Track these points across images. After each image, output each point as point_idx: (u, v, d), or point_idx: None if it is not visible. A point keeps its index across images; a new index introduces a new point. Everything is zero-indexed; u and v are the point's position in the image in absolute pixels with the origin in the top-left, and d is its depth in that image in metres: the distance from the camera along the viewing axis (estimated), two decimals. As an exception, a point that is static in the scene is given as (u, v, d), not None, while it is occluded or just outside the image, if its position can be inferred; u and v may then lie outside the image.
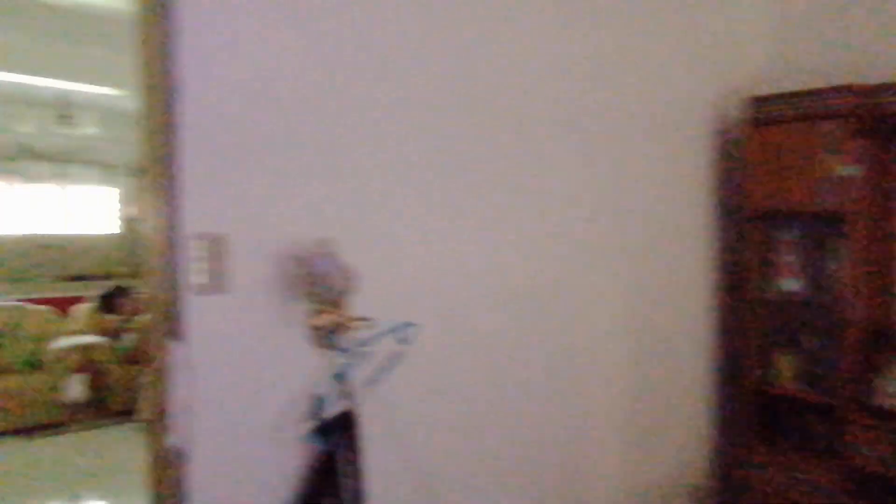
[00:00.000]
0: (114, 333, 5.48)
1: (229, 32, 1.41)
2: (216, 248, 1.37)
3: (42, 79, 4.64)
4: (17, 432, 4.78)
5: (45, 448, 4.61)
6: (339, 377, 1.55)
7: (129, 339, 5.45)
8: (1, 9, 4.07)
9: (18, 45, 4.45)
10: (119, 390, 5.23)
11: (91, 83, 4.81)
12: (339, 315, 1.50)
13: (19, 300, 5.96)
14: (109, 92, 5.10)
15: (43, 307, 5.48)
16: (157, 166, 1.35)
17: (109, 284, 6.42)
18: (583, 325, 2.24)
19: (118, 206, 7.45)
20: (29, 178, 6.76)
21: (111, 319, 5.61)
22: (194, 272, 1.35)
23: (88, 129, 5.35)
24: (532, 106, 2.02)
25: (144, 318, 5.45)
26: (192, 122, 1.35)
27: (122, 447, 4.61)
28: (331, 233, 1.52)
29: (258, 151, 1.46)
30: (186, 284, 1.36)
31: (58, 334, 5.30)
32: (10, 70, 4.47)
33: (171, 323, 1.35)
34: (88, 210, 7.32)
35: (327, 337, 1.52)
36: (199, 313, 1.37)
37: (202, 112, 1.37)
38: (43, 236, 6.95)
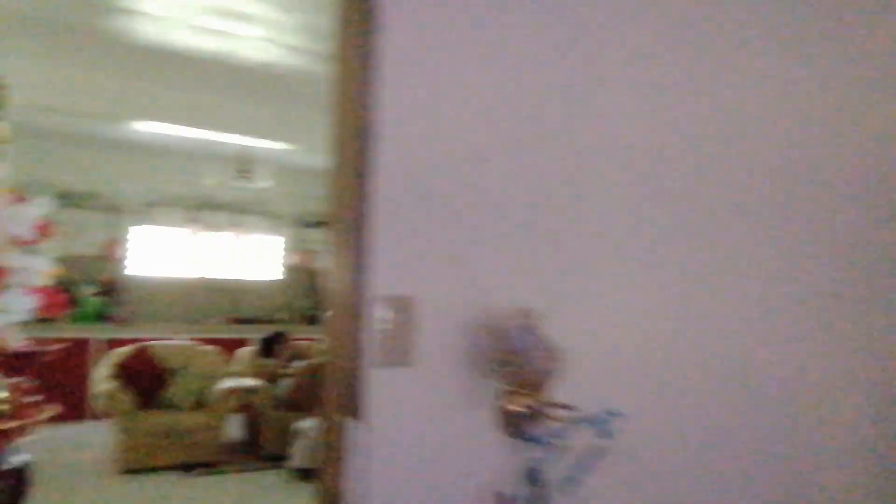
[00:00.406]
0: (271, 378, 5.63)
1: (429, 86, 1.26)
2: (404, 312, 1.17)
3: (226, 135, 4.98)
4: (178, 468, 4.96)
5: (202, 486, 4.73)
6: (532, 474, 1.28)
7: (285, 385, 5.57)
8: (193, 70, 4.43)
9: (206, 104, 4.84)
10: (273, 435, 5.32)
11: (268, 139, 5.09)
12: (537, 400, 1.24)
13: (191, 339, 6.37)
14: (282, 147, 5.37)
15: (211, 347, 5.77)
16: (344, 222, 1.19)
17: (270, 329, 6.69)
18: (821, 422, 1.80)
19: (283, 254, 7.86)
20: (207, 226, 7.32)
21: (269, 364, 5.78)
22: (379, 339, 1.16)
23: (263, 182, 5.68)
24: (753, 168, 1.69)
25: (300, 365, 5.56)
26: (386, 178, 1.19)
27: (274, 493, 4.62)
28: (527, 302, 1.28)
29: (452, 209, 1.28)
30: (369, 353, 1.17)
31: (222, 375, 5.53)
32: (198, 127, 4.83)
33: (349, 397, 1.16)
34: (256, 257, 7.78)
35: (520, 424, 1.26)
36: (380, 388, 1.17)
37: (396, 168, 1.21)
38: (215, 280, 7.46)
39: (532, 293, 1.34)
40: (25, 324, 3.23)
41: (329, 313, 1.27)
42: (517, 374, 1.22)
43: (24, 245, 2.14)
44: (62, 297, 2.06)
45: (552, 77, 1.41)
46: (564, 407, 1.26)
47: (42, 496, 4.10)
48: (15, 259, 2.02)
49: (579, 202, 1.44)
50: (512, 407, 1.25)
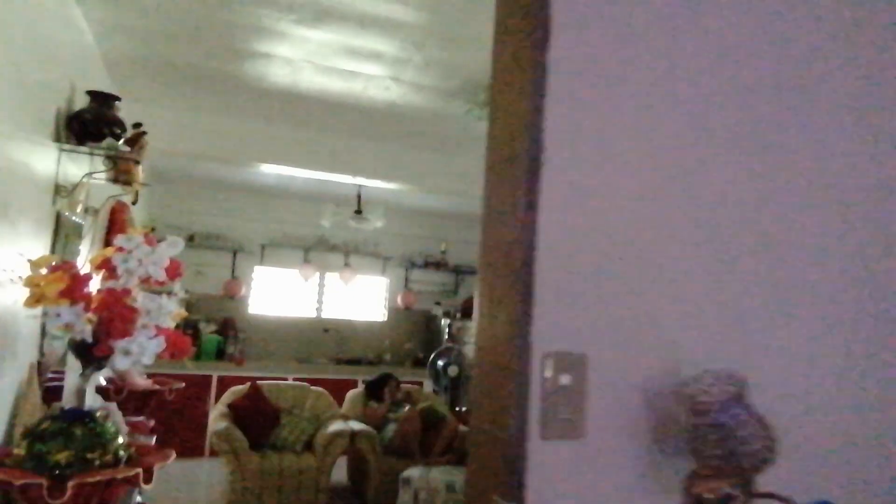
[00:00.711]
0: (377, 422, 5.51)
1: (601, 115, 1.07)
2: (576, 372, 0.97)
3: (344, 176, 5.03)
4: (286, 511, 4.90)
5: (308, 533, 4.63)
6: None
7: (391, 430, 5.44)
8: (318, 112, 4.51)
9: (328, 146, 4.93)
10: (378, 482, 5.17)
11: (383, 179, 5.09)
12: (742, 487, 0.98)
13: (300, 379, 6.42)
14: (396, 187, 5.36)
15: (320, 389, 5.76)
16: (501, 266, 1.02)
17: (376, 372, 6.64)
18: None
19: (389, 295, 7.85)
20: (319, 266, 7.45)
21: (375, 408, 5.68)
22: (546, 406, 0.96)
23: (377, 222, 5.71)
24: None
25: (405, 412, 5.41)
26: (552, 215, 1.01)
27: (377, 547, 4.45)
28: (726, 364, 1.03)
29: (629, 251, 1.07)
30: (531, 422, 0.97)
31: (330, 418, 5.49)
32: (319, 168, 4.91)
33: (508, 478, 0.96)
34: (364, 297, 7.83)
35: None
36: (544, 467, 0.96)
37: (564, 204, 1.02)
38: (325, 320, 7.55)
39: (730, 354, 1.09)
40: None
41: (476, 373, 1.09)
42: (717, 455, 0.98)
43: (156, 285, 2.12)
44: (187, 341, 2.00)
45: (740, 126, 1.19)
46: (777, 498, 1.00)
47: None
48: (146, 300, 1.98)
49: (779, 245, 1.19)
50: (709, 495, 1.00)
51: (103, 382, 3.75)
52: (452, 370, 6.91)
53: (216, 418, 5.14)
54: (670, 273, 1.09)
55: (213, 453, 5.48)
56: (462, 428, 5.52)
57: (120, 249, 1.95)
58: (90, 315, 1.92)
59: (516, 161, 1.02)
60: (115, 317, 1.87)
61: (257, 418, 5.20)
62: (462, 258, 8.12)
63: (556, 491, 0.98)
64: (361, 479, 5.39)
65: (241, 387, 5.51)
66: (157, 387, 3.93)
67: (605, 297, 1.03)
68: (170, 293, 2.20)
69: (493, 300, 1.04)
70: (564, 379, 0.97)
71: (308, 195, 6.98)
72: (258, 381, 5.58)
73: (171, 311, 1.97)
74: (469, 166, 5.31)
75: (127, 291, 1.92)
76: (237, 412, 5.17)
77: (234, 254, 7.16)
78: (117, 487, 1.97)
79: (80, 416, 2.00)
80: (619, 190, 1.08)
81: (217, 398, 6.02)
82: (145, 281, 2.07)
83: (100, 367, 1.99)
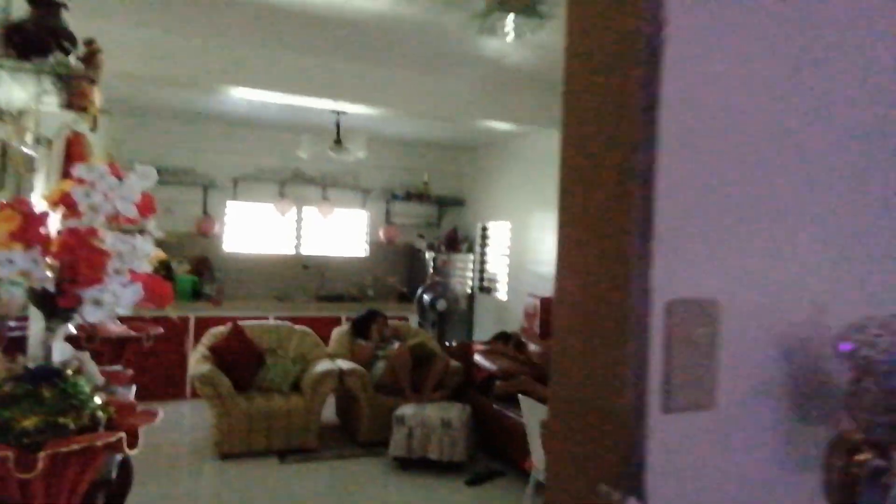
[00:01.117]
0: (365, 360, 5.35)
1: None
2: (707, 325, 0.73)
3: (323, 100, 4.63)
4: (272, 454, 4.77)
5: (300, 473, 4.51)
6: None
7: (379, 368, 5.28)
8: (297, 28, 4.08)
9: (306, 66, 4.51)
10: (369, 420, 5.05)
11: (366, 103, 4.71)
12: (891, 457, 0.78)
13: (282, 318, 6.19)
14: (378, 113, 4.99)
15: (304, 328, 5.54)
16: (611, 194, 0.76)
17: (359, 308, 6.43)
18: None
19: (367, 228, 7.57)
20: (296, 201, 7.10)
21: (363, 345, 5.50)
22: (668, 369, 0.73)
23: (358, 152, 5.35)
24: None
25: (394, 348, 5.24)
26: (672, 125, 0.75)
27: (374, 483, 4.35)
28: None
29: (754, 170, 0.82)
30: (648, 391, 0.74)
31: (316, 357, 5.30)
32: (296, 92, 4.51)
33: (624, 462, 0.74)
34: (345, 232, 7.53)
35: (865, 491, 0.80)
36: (664, 444, 0.74)
37: (684, 113, 0.76)
38: (305, 257, 7.27)
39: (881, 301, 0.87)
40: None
41: (559, 331, 0.85)
42: (882, 422, 0.76)
43: (126, 224, 1.82)
44: (168, 286, 1.73)
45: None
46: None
47: (143, 483, 3.97)
48: (117, 241, 1.68)
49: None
50: (857, 469, 0.79)
51: (73, 330, 3.46)
52: (441, 304, 6.74)
53: (198, 361, 4.91)
54: (803, 208, 0.85)
55: (195, 395, 5.27)
56: (453, 363, 5.39)
57: (81, 181, 1.64)
58: (50, 260, 1.62)
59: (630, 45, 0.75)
60: (80, 261, 1.57)
61: (241, 360, 4.99)
62: (445, 189, 7.82)
63: (680, 475, 0.76)
64: (352, 418, 5.27)
65: (221, 328, 5.26)
66: (133, 333, 3.67)
67: (738, 232, 0.79)
68: (143, 232, 1.90)
69: (593, 234, 0.78)
70: (695, 333, 0.73)
71: (283, 125, 6.55)
72: (239, 322, 5.33)
73: (147, 253, 1.68)
74: (460, 87, 4.95)
75: (92, 231, 1.62)
76: (219, 355, 4.94)
77: (205, 189, 6.75)
78: (98, 455, 1.73)
79: (47, 374, 1.74)
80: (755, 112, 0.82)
81: (196, 340, 5.77)
82: (113, 219, 1.77)
83: (67, 320, 1.71)
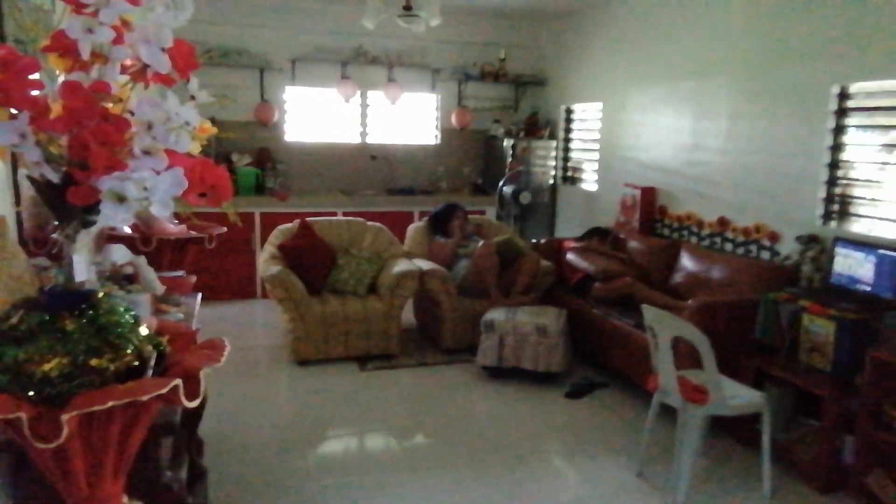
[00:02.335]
0: (445, 260, 4.85)
1: None
2: None
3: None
4: (351, 360, 4.43)
5: (383, 382, 4.17)
6: None
7: (462, 268, 4.78)
8: None
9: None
10: (453, 325, 4.62)
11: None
12: None
13: (350, 213, 5.72)
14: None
15: (378, 224, 5.05)
16: None
17: (431, 202, 5.88)
18: None
19: (438, 113, 6.86)
20: (360, 83, 6.42)
21: (443, 243, 4.99)
22: None
23: (431, 20, 4.56)
24: None
25: (478, 247, 4.70)
26: None
27: (462, 392, 3.96)
28: None
29: None
30: None
31: (392, 256, 4.83)
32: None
33: None
34: (412, 118, 6.86)
35: None
36: None
37: None
38: (372, 146, 6.67)
39: None
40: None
41: None
42: None
43: (161, 82, 1.24)
44: (222, 174, 1.16)
45: None
46: None
47: (220, 392, 3.69)
48: (145, 106, 1.11)
49: None
50: None
51: (127, 230, 3.04)
52: (525, 197, 6.12)
53: (266, 261, 4.51)
54: None
55: (266, 295, 4.95)
56: (544, 263, 4.83)
57: (80, 7, 1.05)
58: (48, 134, 1.07)
59: None
60: (88, 135, 1.02)
61: (312, 260, 4.57)
62: (523, 67, 6.94)
63: None
64: (433, 323, 4.86)
65: (288, 225, 4.82)
66: (193, 233, 3.23)
67: None
68: (190, 97, 1.33)
69: None
70: None
71: (342, -6, 5.77)
72: (308, 219, 4.88)
73: (190, 125, 1.11)
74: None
75: (102, 86, 1.05)
76: (289, 254, 4.53)
77: (261, 72, 6.13)
78: (147, 409, 1.26)
79: (69, 299, 1.25)
80: None
81: (263, 238, 5.39)
82: (138, 76, 1.19)
83: (86, 223, 1.18)
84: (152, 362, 1.28)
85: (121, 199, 1.01)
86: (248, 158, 6.10)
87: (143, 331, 1.32)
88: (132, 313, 1.33)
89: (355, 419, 3.65)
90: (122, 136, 1.04)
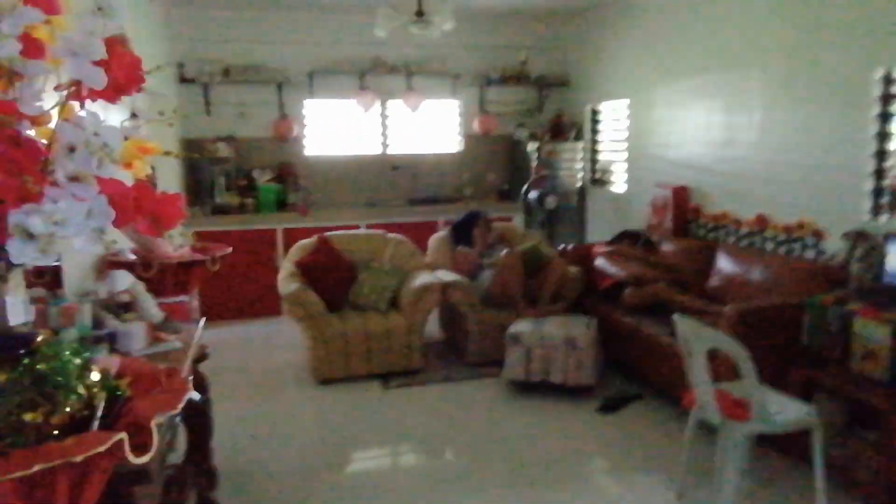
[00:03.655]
0: (469, 270, 4.68)
1: None
2: None
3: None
4: (374, 377, 4.29)
5: (406, 399, 4.01)
6: None
7: (486, 278, 4.60)
8: None
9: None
10: (478, 337, 4.44)
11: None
12: None
13: (373, 226, 5.61)
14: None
15: (399, 236, 4.92)
16: None
17: (457, 211, 5.71)
18: None
19: (460, 120, 6.70)
20: (380, 93, 6.31)
21: (466, 253, 4.83)
22: None
23: (445, 24, 4.42)
24: None
25: (502, 256, 4.52)
26: None
27: (490, 408, 3.78)
28: None
29: None
30: None
31: (414, 268, 4.69)
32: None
33: None
34: (435, 126, 6.72)
35: None
36: None
37: None
38: (393, 157, 6.56)
39: None
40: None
41: None
42: None
43: (103, 99, 1.12)
44: (170, 202, 1.02)
45: None
46: None
47: (240, 415, 3.60)
48: (64, 126, 0.98)
49: None
50: None
51: (131, 256, 2.96)
52: (550, 202, 5.91)
53: (285, 279, 4.42)
54: None
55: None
56: (572, 270, 4.62)
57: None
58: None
59: None
60: (-6, 163, 0.89)
61: (331, 276, 4.45)
62: (545, 68, 6.75)
63: None
64: (458, 336, 4.69)
65: (307, 241, 4.73)
66: (196, 256, 3.14)
67: None
68: (134, 116, 1.19)
69: None
70: None
71: (356, 3, 5.68)
72: (327, 233, 4.78)
73: (109, 147, 0.97)
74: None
75: (8, 107, 0.92)
76: (307, 270, 4.43)
77: (279, 87, 6.08)
78: (95, 464, 1.12)
79: (3, 347, 1.12)
80: None
81: (286, 253, 5.31)
82: (74, 94, 1.06)
83: (10, 264, 1.06)
84: (99, 412, 1.14)
85: (30, 234, 0.88)
86: (270, 174, 6.05)
87: (95, 376, 1.19)
88: (84, 355, 1.21)
89: (379, 440, 3.50)
90: (35, 163, 0.91)
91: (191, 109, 5.82)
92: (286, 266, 4.56)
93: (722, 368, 2.90)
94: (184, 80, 5.74)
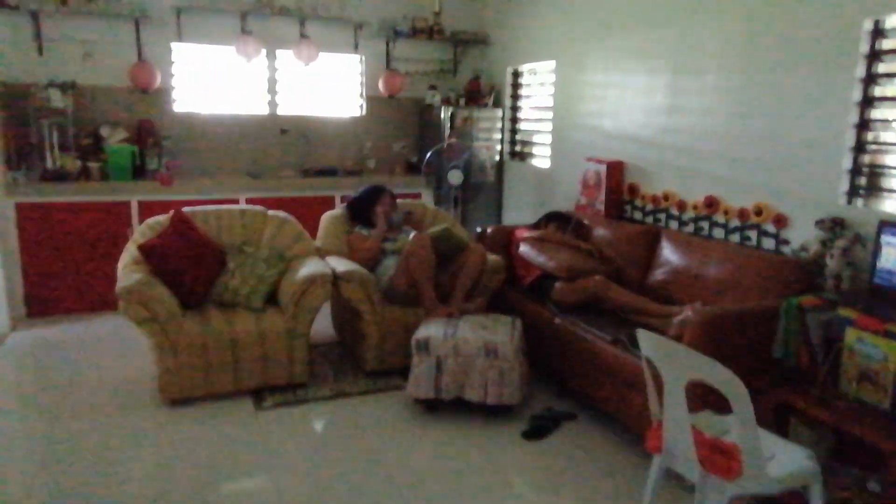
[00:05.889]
0: (368, 258, 3.82)
1: None
2: None
3: None
4: (244, 395, 3.38)
5: (282, 422, 3.14)
6: None
7: (389, 268, 3.76)
8: None
9: None
10: (377, 342, 3.61)
11: None
12: None
13: (254, 201, 4.64)
14: None
15: (282, 213, 3.97)
16: None
17: (359, 184, 4.81)
18: None
19: (362, 78, 5.77)
20: (266, 41, 5.26)
21: (365, 237, 3.96)
22: None
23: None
24: None
25: (409, 239, 3.59)
26: None
27: (385, 432, 2.97)
28: None
29: None
30: None
31: (299, 254, 3.77)
32: None
33: None
34: (331, 85, 5.74)
35: None
36: None
37: None
38: (283, 118, 5.53)
39: None
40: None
41: None
42: None
43: None
44: None
45: None
46: None
47: (54, 445, 2.59)
48: None
49: None
50: None
51: None
52: (454, 176, 5.11)
53: (124, 268, 3.38)
54: None
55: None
56: (491, 258, 3.86)
57: None
58: None
59: None
60: None
61: (188, 264, 3.46)
62: (462, 23, 5.91)
63: None
64: (353, 340, 3.84)
65: (159, 217, 3.70)
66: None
67: None
68: None
69: None
70: None
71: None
72: (186, 208, 3.76)
73: None
74: None
75: None
76: (156, 256, 3.41)
77: (137, 24, 4.90)
78: None
79: None
80: None
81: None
82: None
83: None
84: None
85: None
86: (123, 133, 4.89)
87: None
88: None
89: (247, 477, 2.62)
90: None
91: (13, 46, 4.56)
92: (129, 250, 3.52)
93: (694, 395, 2.22)
94: (3, 5, 4.47)
